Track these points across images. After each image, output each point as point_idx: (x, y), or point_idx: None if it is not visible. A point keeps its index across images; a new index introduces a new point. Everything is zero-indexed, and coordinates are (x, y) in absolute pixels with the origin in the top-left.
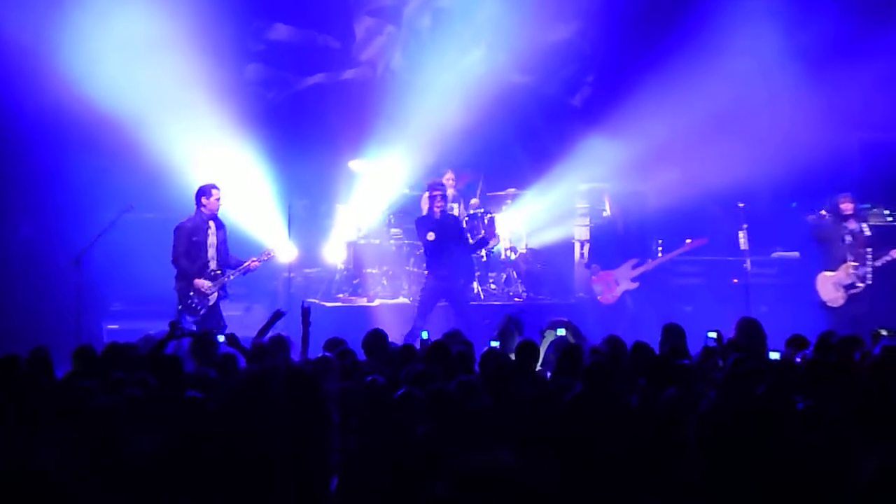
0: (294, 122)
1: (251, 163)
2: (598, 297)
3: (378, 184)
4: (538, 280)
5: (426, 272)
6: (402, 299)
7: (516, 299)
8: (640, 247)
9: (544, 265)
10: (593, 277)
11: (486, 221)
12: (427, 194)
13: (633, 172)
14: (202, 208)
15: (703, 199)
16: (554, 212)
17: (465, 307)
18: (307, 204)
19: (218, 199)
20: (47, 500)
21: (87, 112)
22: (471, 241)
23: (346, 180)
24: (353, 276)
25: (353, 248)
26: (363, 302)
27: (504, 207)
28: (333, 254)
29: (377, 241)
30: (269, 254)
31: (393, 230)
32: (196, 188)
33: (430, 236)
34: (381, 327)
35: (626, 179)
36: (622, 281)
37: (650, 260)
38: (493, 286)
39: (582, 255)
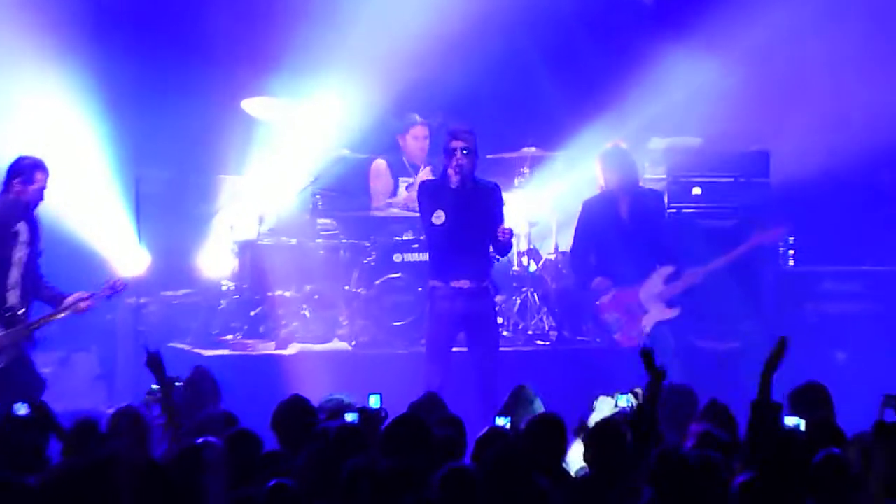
0: (145, 38)
1: (68, 108)
2: (615, 337)
3: (294, 141)
4: (577, 306)
5: (431, 285)
6: (338, 343)
7: (539, 342)
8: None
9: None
10: (602, 302)
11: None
12: (443, 144)
13: (744, 117)
14: (9, 195)
15: (860, 163)
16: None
17: (490, 352)
18: (169, 178)
19: (43, 188)
20: None
21: None
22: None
23: (237, 136)
24: (252, 303)
25: (251, 252)
26: (269, 349)
27: (517, 182)
28: (215, 264)
29: (293, 241)
30: (114, 287)
31: (321, 221)
32: None
33: (438, 217)
34: (302, 393)
35: (732, 131)
36: (651, 305)
37: (695, 269)
38: (499, 320)
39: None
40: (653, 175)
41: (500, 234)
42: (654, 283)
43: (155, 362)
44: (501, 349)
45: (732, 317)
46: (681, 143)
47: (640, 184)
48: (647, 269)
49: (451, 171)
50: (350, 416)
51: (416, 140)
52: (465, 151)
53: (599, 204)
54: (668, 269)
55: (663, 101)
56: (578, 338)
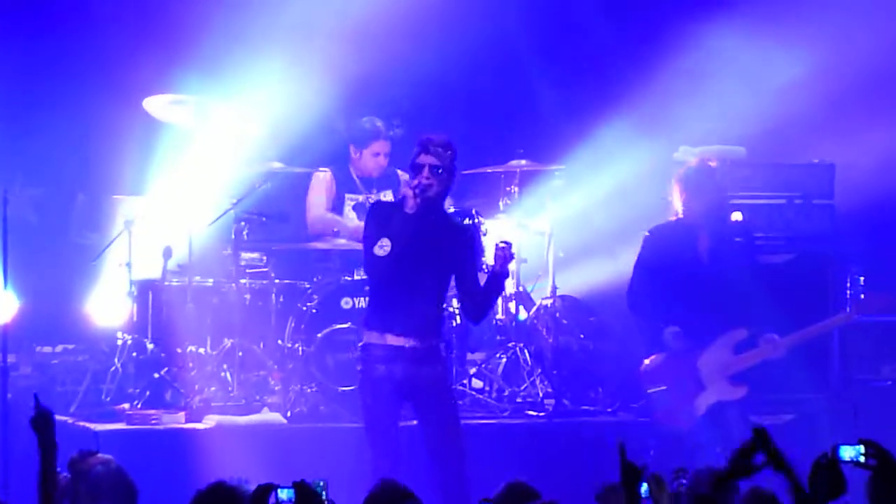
0: (13, 22)
1: None
2: (659, 416)
3: (211, 151)
4: (583, 365)
5: (364, 339)
6: (268, 415)
7: (531, 413)
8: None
9: (598, 331)
10: (648, 368)
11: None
12: (410, 158)
13: (803, 120)
14: None
15: None
16: (619, 212)
17: (445, 435)
18: (45, 198)
19: None
20: None
21: None
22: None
23: (136, 145)
24: (155, 363)
25: (154, 296)
26: (178, 421)
27: (502, 205)
28: (107, 311)
29: (209, 282)
30: None
31: (247, 256)
32: None
33: (382, 247)
34: (225, 479)
35: (787, 137)
36: (711, 379)
37: (776, 337)
38: (476, 384)
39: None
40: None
41: (497, 252)
42: (721, 352)
43: (41, 416)
44: (482, 421)
45: (785, 382)
46: (718, 154)
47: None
48: (721, 328)
49: (407, 191)
50: (284, 494)
51: (376, 158)
52: (437, 170)
53: (673, 235)
54: (740, 334)
55: (697, 98)
56: (583, 407)
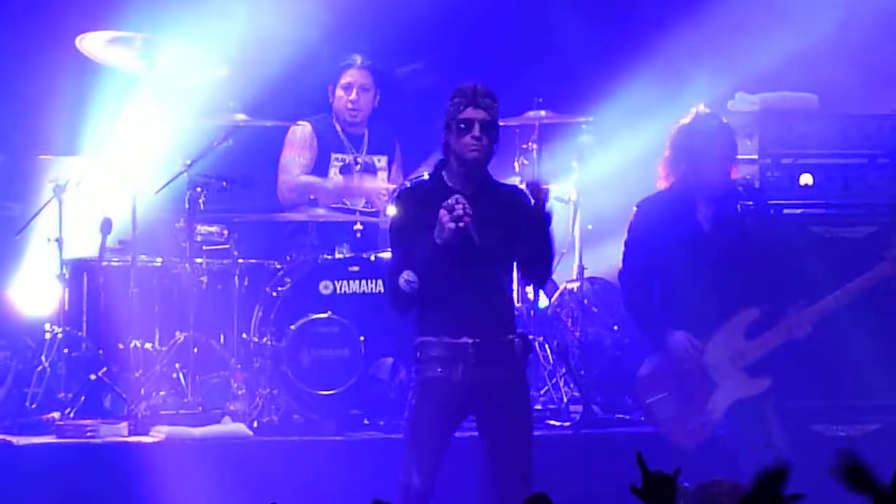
0: None
1: None
2: (666, 430)
3: (161, 101)
4: (617, 363)
5: (418, 341)
6: (230, 425)
7: (554, 423)
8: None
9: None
10: (642, 375)
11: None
12: (446, 113)
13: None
14: None
15: None
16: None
17: (513, 451)
18: None
19: None
20: None
21: None
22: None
23: (68, 95)
24: (92, 362)
25: (91, 280)
26: (120, 433)
27: (518, 165)
28: (32, 298)
29: (157, 261)
30: None
31: (204, 229)
32: None
33: (410, 283)
34: None
35: (868, 83)
36: (722, 375)
37: (800, 309)
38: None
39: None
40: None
41: (532, 192)
42: (730, 339)
43: None
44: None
45: (867, 384)
46: (783, 102)
47: (733, 178)
48: (731, 312)
49: (447, 217)
50: None
51: (345, 92)
52: (488, 128)
53: (666, 207)
54: (750, 315)
55: (757, 32)
56: (618, 416)
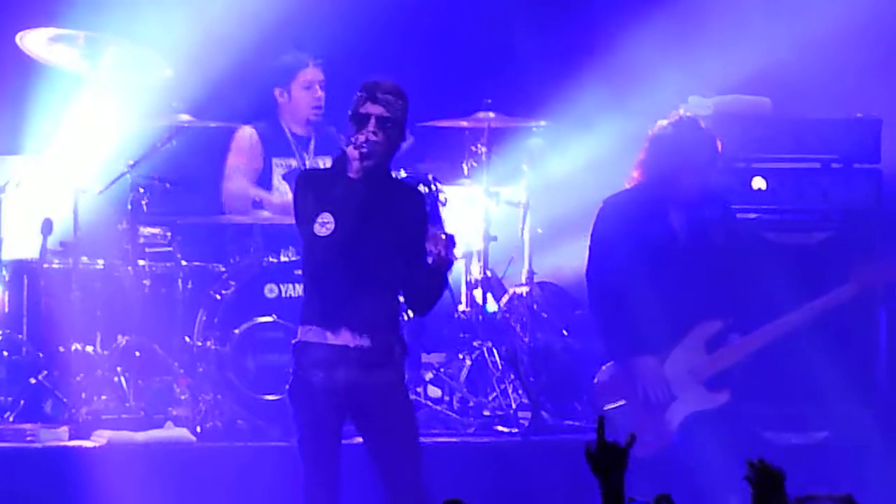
0: None
1: None
2: (620, 437)
3: (103, 101)
4: (566, 369)
5: (299, 338)
6: (173, 430)
7: (503, 429)
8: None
9: (585, 327)
10: (600, 380)
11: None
12: (351, 109)
13: (843, 65)
14: None
15: None
16: (612, 179)
17: (400, 452)
18: None
19: None
20: None
21: None
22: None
23: (8, 92)
24: (31, 365)
25: (31, 281)
26: (60, 438)
27: (466, 168)
28: None
29: (99, 263)
30: None
31: (147, 231)
32: None
33: (324, 224)
34: None
35: (822, 87)
36: (682, 386)
37: (759, 327)
38: (433, 392)
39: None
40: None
41: (429, 247)
42: (691, 351)
43: None
44: (440, 439)
45: (818, 393)
46: (737, 106)
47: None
48: (695, 323)
49: (351, 151)
50: None
51: (309, 92)
52: (385, 123)
53: (637, 208)
54: (712, 326)
55: (711, 37)
56: (566, 422)
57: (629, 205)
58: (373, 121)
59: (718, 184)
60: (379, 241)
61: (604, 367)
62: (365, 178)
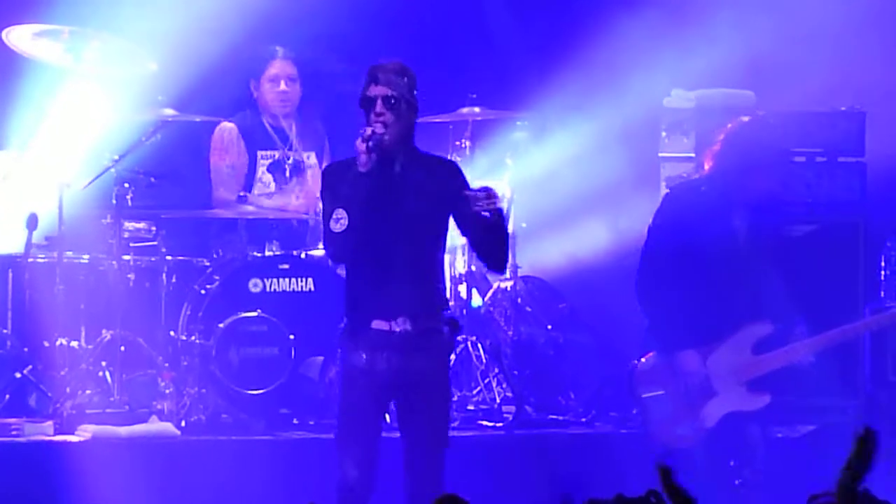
0: None
1: None
2: (654, 429)
3: (87, 95)
4: (551, 363)
5: (342, 326)
6: (157, 424)
7: (486, 423)
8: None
9: (570, 321)
10: (642, 368)
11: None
12: (360, 94)
13: (828, 57)
14: None
15: None
16: (596, 171)
17: (431, 441)
18: None
19: None
20: None
21: None
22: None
23: None
24: (16, 359)
25: (15, 276)
26: (44, 433)
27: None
28: None
29: (84, 258)
30: None
31: (132, 226)
32: None
33: (338, 222)
34: None
35: (806, 80)
36: (723, 385)
37: (810, 336)
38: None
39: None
40: (672, 151)
41: (471, 207)
42: (737, 351)
43: None
44: None
45: (804, 384)
46: (721, 99)
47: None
48: (744, 323)
49: (358, 144)
50: None
51: (274, 86)
52: (392, 102)
53: (702, 201)
54: (762, 329)
55: (693, 29)
56: (550, 416)
57: (695, 197)
58: (379, 102)
59: (684, 169)
60: (396, 228)
61: (648, 357)
62: (374, 170)
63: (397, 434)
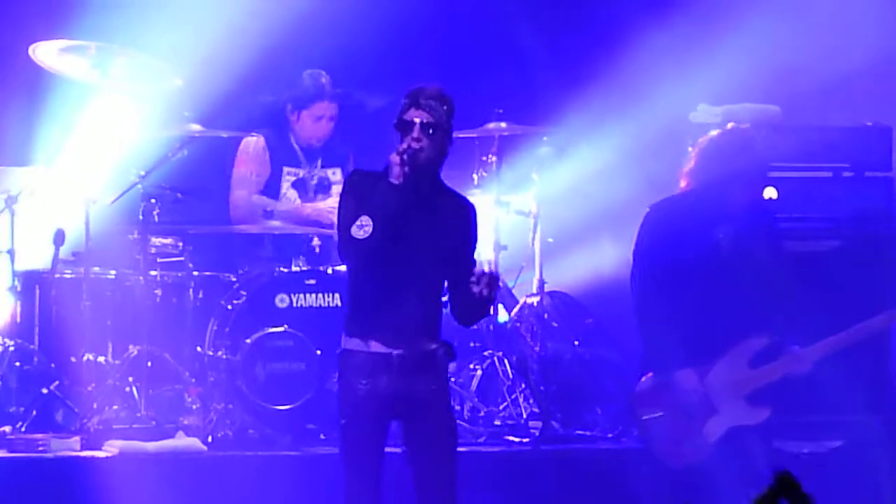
0: None
1: None
2: (658, 449)
3: (115, 111)
4: (577, 378)
5: (343, 346)
6: (184, 440)
7: (513, 438)
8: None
9: (596, 336)
10: (641, 390)
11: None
12: (397, 115)
13: (854, 74)
14: None
15: None
16: (622, 186)
17: (437, 463)
18: None
19: None
20: None
21: None
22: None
23: (20, 103)
24: (43, 375)
25: (43, 292)
26: (71, 448)
27: (476, 178)
28: None
29: (111, 274)
30: None
31: (158, 241)
32: None
33: (362, 227)
34: None
35: (834, 95)
36: (723, 400)
37: (804, 347)
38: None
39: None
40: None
41: (472, 281)
42: (734, 365)
43: None
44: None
45: (831, 401)
46: (746, 114)
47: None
48: (740, 335)
49: (393, 157)
50: None
51: (317, 123)
52: (429, 130)
53: (683, 216)
54: (757, 343)
55: (720, 45)
56: (577, 432)
57: (675, 213)
58: (417, 127)
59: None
60: (417, 247)
61: (646, 377)
62: (407, 185)
63: (402, 449)
